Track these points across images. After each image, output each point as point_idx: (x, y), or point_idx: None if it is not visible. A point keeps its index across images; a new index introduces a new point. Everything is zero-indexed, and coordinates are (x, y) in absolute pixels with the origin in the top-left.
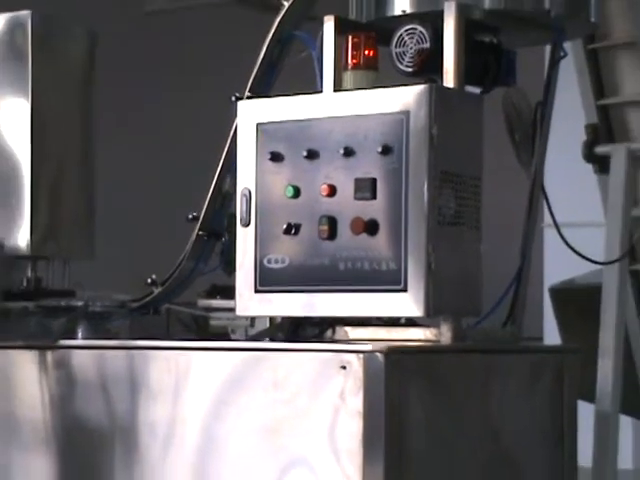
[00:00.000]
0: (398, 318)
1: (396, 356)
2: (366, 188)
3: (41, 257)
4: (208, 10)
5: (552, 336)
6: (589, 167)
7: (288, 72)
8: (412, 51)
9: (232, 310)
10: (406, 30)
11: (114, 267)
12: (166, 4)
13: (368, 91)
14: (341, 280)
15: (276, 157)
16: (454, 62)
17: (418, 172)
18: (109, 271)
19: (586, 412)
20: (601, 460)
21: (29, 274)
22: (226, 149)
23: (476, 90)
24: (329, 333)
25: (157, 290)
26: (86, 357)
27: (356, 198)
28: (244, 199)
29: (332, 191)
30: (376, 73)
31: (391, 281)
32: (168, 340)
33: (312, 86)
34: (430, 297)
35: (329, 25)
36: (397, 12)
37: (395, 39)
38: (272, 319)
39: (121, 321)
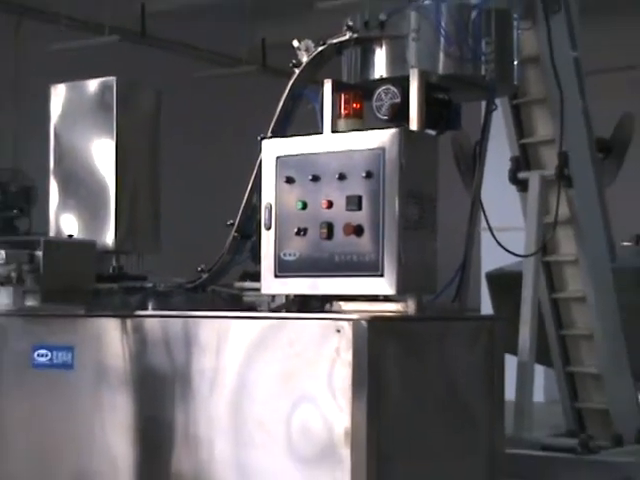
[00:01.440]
0: (377, 295)
1: (376, 323)
2: (354, 202)
3: (122, 251)
4: (240, 77)
5: (487, 308)
6: (513, 188)
7: (299, 119)
8: (387, 104)
9: (258, 290)
10: (383, 89)
11: (175, 259)
12: (210, 71)
13: (356, 133)
14: (336, 268)
15: (290, 180)
16: (417, 112)
17: (391, 191)
18: (171, 262)
19: (511, 362)
20: (521, 395)
21: (114, 264)
22: (254, 175)
23: (433, 132)
24: (328, 306)
25: (205, 275)
26: (154, 323)
27: (347, 210)
28: (267, 210)
29: (330, 204)
30: (361, 120)
31: (372, 269)
32: (213, 311)
33: (316, 129)
34: (400, 280)
35: (328, 85)
36: (377, 76)
37: (375, 95)
38: (287, 296)
39: (179, 297)
